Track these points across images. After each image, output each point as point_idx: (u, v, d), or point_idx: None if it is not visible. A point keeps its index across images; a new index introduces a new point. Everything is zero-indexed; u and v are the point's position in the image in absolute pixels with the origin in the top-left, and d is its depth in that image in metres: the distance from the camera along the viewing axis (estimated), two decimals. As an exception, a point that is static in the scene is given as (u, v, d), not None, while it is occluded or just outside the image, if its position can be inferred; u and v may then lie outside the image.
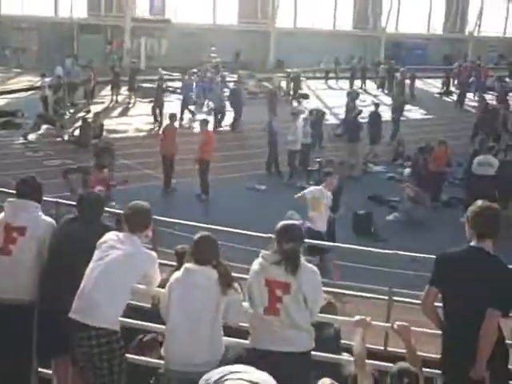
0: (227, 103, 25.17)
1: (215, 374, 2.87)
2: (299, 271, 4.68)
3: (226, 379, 2.76)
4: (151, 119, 24.23)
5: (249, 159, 19.18)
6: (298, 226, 4.98)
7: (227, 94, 26.47)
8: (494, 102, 27.51)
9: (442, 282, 4.61)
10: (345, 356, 5.49)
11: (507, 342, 4.63)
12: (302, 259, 4.77)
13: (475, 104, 28.93)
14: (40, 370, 5.63)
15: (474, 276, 4.48)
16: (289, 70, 34.19)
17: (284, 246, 4.71)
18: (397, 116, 24.03)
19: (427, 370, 4.79)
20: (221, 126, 24.14)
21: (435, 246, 9.68)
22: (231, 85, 28.66)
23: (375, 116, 21.37)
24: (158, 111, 23.92)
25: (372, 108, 22.38)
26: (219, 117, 24.31)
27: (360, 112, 21.44)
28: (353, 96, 25.29)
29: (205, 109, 27.72)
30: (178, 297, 4.79)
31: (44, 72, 25.69)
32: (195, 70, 30.44)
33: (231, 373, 2.81)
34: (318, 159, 17.56)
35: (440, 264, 4.66)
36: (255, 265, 4.83)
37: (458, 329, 4.52)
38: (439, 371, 4.76)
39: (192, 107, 26.55)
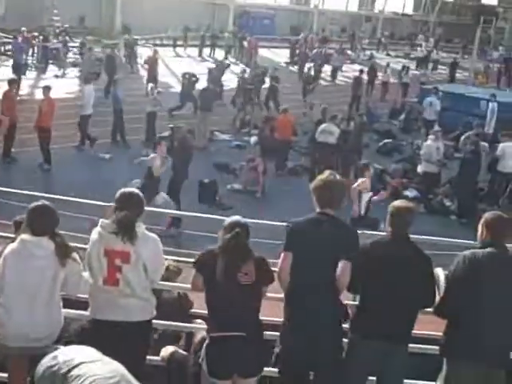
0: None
1: (61, 363, 2.55)
2: (138, 240, 4.61)
3: (77, 376, 2.43)
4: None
5: (94, 128, 18.55)
6: (136, 194, 4.83)
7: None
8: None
9: (294, 247, 4.74)
10: (196, 323, 5.53)
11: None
12: (143, 228, 4.70)
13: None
14: None
15: (321, 239, 4.69)
16: (126, 37, 33.11)
17: (120, 215, 4.63)
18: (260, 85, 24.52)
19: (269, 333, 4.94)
20: None
21: (280, 213, 9.97)
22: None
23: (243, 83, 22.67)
24: None
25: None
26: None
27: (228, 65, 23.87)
28: (221, 67, 26.18)
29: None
30: (14, 269, 4.61)
31: None
32: (36, 34, 29.17)
33: (80, 364, 2.50)
34: (171, 125, 17.49)
35: (291, 230, 4.80)
36: (94, 234, 4.70)
37: (305, 290, 4.68)
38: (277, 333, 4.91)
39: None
